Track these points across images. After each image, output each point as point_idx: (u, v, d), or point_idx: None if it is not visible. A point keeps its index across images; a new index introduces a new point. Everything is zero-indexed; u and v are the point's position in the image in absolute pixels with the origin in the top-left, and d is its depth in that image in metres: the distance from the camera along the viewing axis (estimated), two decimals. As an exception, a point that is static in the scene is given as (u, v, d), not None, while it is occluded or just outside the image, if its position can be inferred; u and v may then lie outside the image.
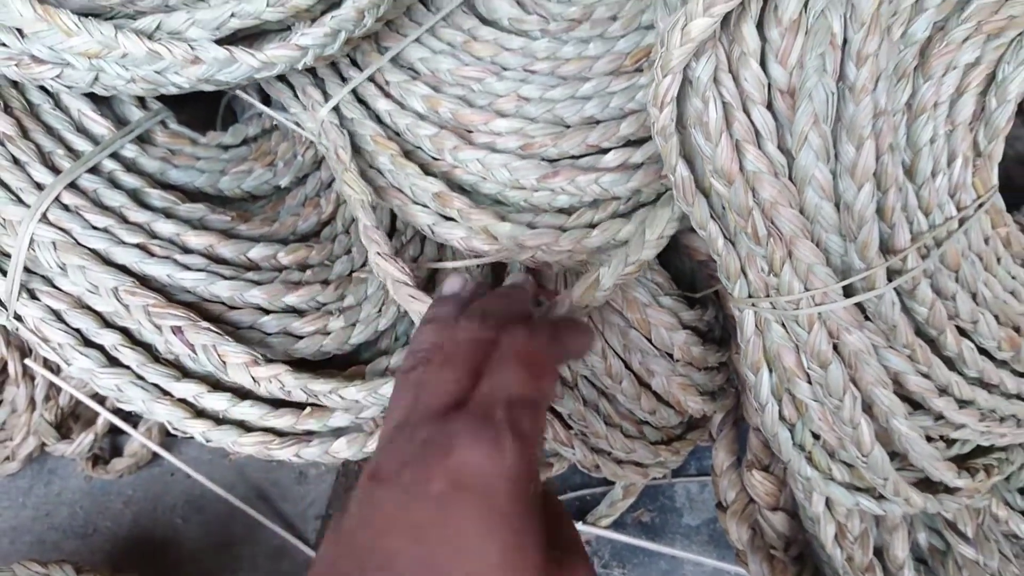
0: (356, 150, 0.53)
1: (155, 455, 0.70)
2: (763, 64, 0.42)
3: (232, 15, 0.45)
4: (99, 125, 0.50)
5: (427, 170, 0.52)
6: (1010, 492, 0.59)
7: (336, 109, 0.54)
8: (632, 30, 0.56)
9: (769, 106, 0.43)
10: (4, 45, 0.45)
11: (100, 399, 0.64)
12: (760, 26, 0.41)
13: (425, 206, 0.51)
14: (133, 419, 0.66)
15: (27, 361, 0.63)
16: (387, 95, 0.54)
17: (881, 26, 0.41)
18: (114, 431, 0.71)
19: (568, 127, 0.53)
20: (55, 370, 0.64)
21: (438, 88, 0.54)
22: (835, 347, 0.45)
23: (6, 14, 0.43)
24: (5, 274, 0.45)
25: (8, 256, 0.46)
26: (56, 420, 0.66)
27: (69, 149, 0.49)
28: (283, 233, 0.53)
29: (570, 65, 0.54)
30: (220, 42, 0.46)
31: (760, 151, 0.43)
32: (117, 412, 0.65)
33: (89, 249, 0.46)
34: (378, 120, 0.54)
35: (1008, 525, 0.57)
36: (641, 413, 0.59)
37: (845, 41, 0.41)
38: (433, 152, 0.52)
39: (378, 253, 0.49)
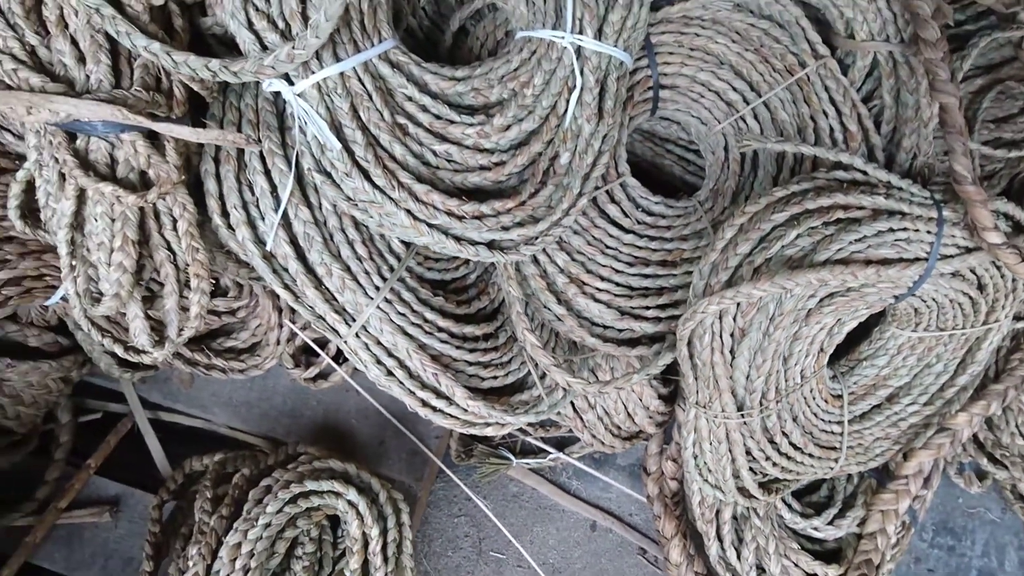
0: (522, 276, 1.00)
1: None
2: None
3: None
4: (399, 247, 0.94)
5: (559, 298, 1.00)
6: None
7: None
8: (678, 238, 1.03)
9: (731, 335, 0.93)
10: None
11: (321, 344, 1.11)
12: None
13: (557, 318, 1.00)
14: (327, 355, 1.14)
15: (286, 318, 1.09)
16: (543, 253, 1.00)
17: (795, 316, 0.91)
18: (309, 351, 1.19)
19: (635, 290, 1.01)
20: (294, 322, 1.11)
21: (570, 254, 1.00)
22: (728, 437, 0.98)
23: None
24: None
25: (339, 333, 0.91)
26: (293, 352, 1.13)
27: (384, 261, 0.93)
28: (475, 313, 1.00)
29: (642, 252, 1.02)
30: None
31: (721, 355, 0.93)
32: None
33: (395, 325, 0.91)
34: (536, 262, 1.00)
35: (777, 510, 1.16)
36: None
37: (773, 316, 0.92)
38: (561, 290, 1.00)
39: (525, 330, 0.98)
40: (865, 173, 0.96)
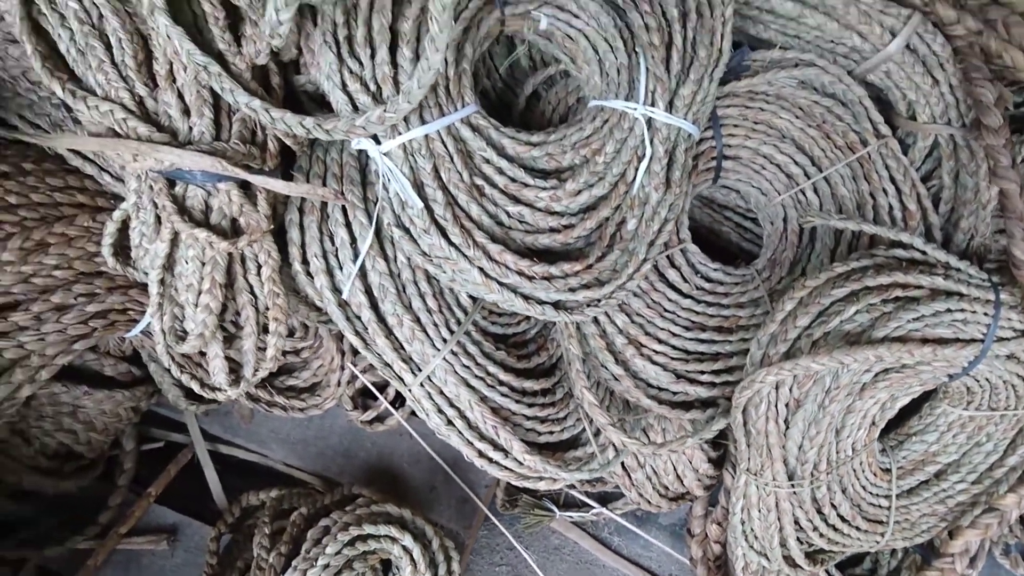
0: (583, 335, 1.03)
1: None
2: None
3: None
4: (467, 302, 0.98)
5: (616, 359, 1.02)
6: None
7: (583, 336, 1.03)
8: (735, 305, 1.06)
9: (787, 405, 0.95)
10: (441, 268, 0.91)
11: (380, 388, 1.15)
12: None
13: (614, 377, 1.02)
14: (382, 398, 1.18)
15: (348, 361, 1.13)
16: (604, 314, 1.03)
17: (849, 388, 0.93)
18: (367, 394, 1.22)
19: (691, 354, 1.03)
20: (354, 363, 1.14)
21: (630, 316, 1.03)
22: (778, 506, 0.99)
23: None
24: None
25: (404, 381, 0.94)
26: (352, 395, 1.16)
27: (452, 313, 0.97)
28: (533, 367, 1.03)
29: (700, 318, 1.04)
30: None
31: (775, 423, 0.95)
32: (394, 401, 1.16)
33: (459, 376, 0.95)
34: (596, 322, 1.03)
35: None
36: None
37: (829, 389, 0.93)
38: (619, 350, 1.02)
39: (584, 387, 1.00)
40: (924, 253, 0.98)
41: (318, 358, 1.16)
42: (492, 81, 1.12)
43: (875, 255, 0.98)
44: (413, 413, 1.18)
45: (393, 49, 0.86)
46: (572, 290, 0.91)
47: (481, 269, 0.88)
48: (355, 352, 1.16)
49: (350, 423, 1.23)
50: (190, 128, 0.84)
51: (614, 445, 1.04)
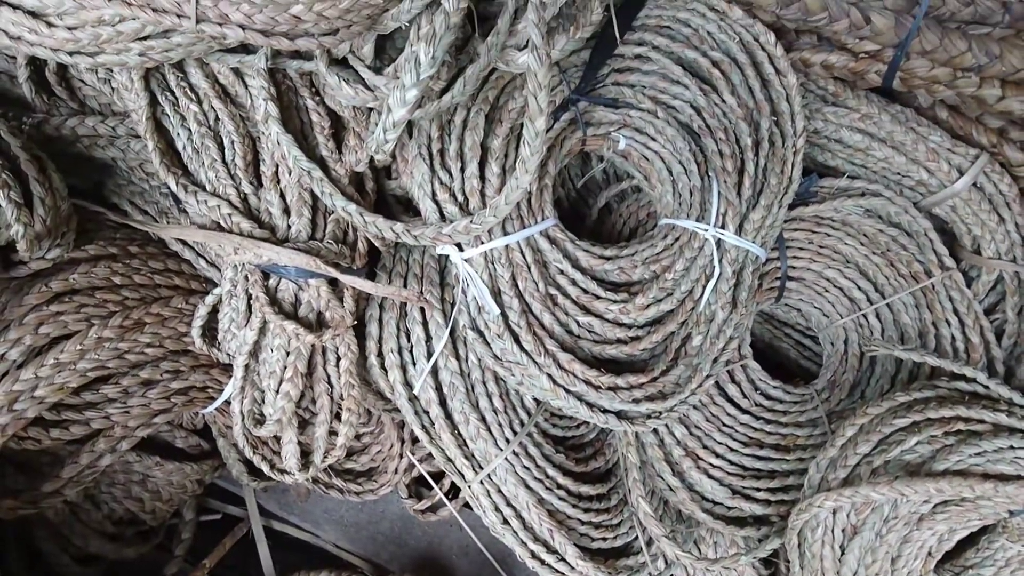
0: (641, 443, 1.05)
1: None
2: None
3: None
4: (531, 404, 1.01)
5: (673, 469, 1.04)
6: None
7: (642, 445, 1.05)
8: (793, 424, 1.07)
9: (844, 531, 0.95)
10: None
11: (435, 478, 1.17)
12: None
13: (670, 488, 1.03)
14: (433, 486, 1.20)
15: (407, 450, 1.16)
16: (663, 427, 1.05)
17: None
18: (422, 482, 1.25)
19: (747, 470, 1.04)
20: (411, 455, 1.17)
21: (688, 428, 1.05)
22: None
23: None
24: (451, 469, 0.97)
25: (464, 477, 0.97)
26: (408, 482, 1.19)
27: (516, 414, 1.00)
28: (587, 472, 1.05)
29: (757, 434, 1.06)
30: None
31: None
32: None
33: (519, 477, 0.97)
34: (655, 432, 1.05)
35: None
36: None
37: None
38: (676, 462, 1.04)
39: (640, 496, 1.01)
40: (987, 387, 0.99)
41: (378, 444, 1.19)
42: (566, 190, 1.18)
43: (937, 386, 0.99)
44: (466, 505, 1.20)
45: (482, 164, 0.92)
46: (636, 401, 0.93)
47: (550, 376, 0.91)
48: (414, 441, 1.19)
49: (402, 510, 1.25)
50: (289, 226, 0.90)
51: (666, 557, 1.05)
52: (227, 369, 1.07)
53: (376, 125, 0.82)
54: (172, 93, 0.92)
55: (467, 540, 1.22)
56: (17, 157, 0.85)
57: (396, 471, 1.18)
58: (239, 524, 1.27)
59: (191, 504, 1.24)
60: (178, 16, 0.74)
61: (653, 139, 1.02)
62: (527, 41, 0.86)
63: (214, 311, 0.99)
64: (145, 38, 0.81)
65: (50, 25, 0.80)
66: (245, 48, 0.90)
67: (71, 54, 0.82)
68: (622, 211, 1.13)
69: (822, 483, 0.96)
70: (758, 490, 1.04)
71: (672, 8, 1.00)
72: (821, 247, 1.11)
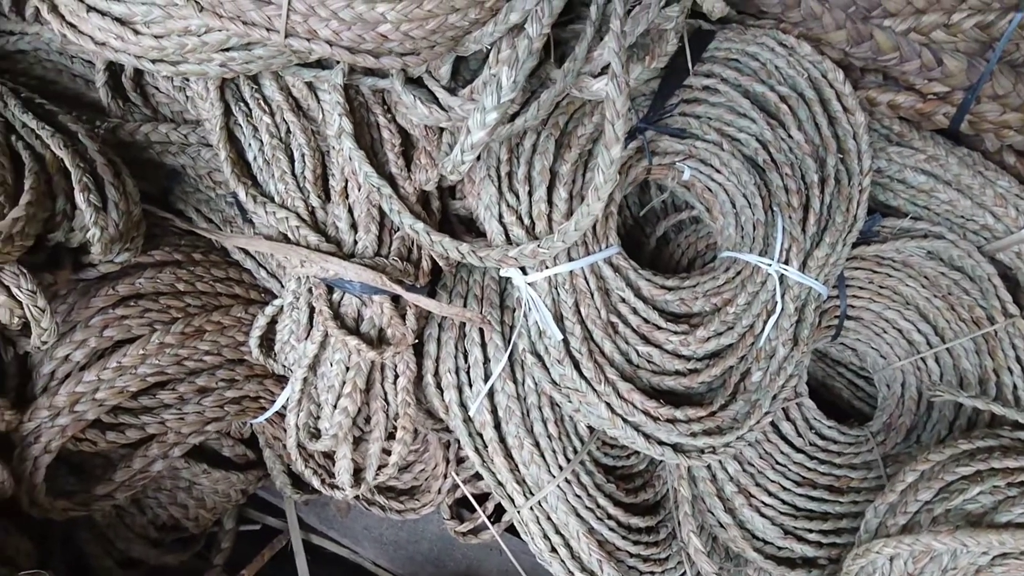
0: (693, 480, 1.03)
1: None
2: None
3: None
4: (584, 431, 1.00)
5: (725, 506, 1.02)
6: None
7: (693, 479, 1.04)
8: (847, 465, 1.05)
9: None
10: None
11: (479, 500, 1.16)
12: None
13: (720, 524, 1.02)
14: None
15: (451, 470, 1.15)
16: (717, 464, 1.04)
17: None
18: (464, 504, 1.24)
19: (799, 510, 1.03)
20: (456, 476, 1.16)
21: (741, 464, 1.03)
22: None
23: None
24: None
25: (514, 502, 0.96)
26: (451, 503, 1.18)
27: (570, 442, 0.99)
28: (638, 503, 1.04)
29: (811, 474, 1.04)
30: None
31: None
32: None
33: (570, 505, 0.96)
34: (707, 466, 1.04)
35: None
36: None
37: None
38: (728, 498, 1.02)
39: (691, 531, 1.00)
40: (1051, 439, 0.97)
41: (421, 463, 1.19)
42: (623, 218, 1.17)
43: (1000, 436, 0.97)
44: (507, 529, 1.19)
45: (550, 189, 0.91)
46: (693, 435, 0.92)
47: (608, 405, 0.90)
48: (459, 462, 1.18)
49: (442, 530, 1.24)
50: (355, 241, 0.91)
51: (714, 594, 1.03)
52: (280, 380, 1.07)
53: (454, 146, 0.82)
54: (246, 104, 0.93)
55: (507, 565, 1.21)
56: (95, 160, 0.86)
57: (439, 491, 1.17)
58: (278, 536, 1.26)
59: (232, 513, 1.24)
60: (267, 30, 0.74)
61: (718, 171, 1.02)
62: (602, 68, 0.86)
63: (272, 322, 1.00)
64: (227, 49, 0.82)
65: (137, 33, 0.81)
66: (320, 63, 0.91)
67: (154, 62, 0.84)
68: (680, 241, 1.12)
69: (880, 528, 0.94)
70: (810, 531, 1.02)
71: (741, 41, 1.00)
72: (881, 287, 1.10)
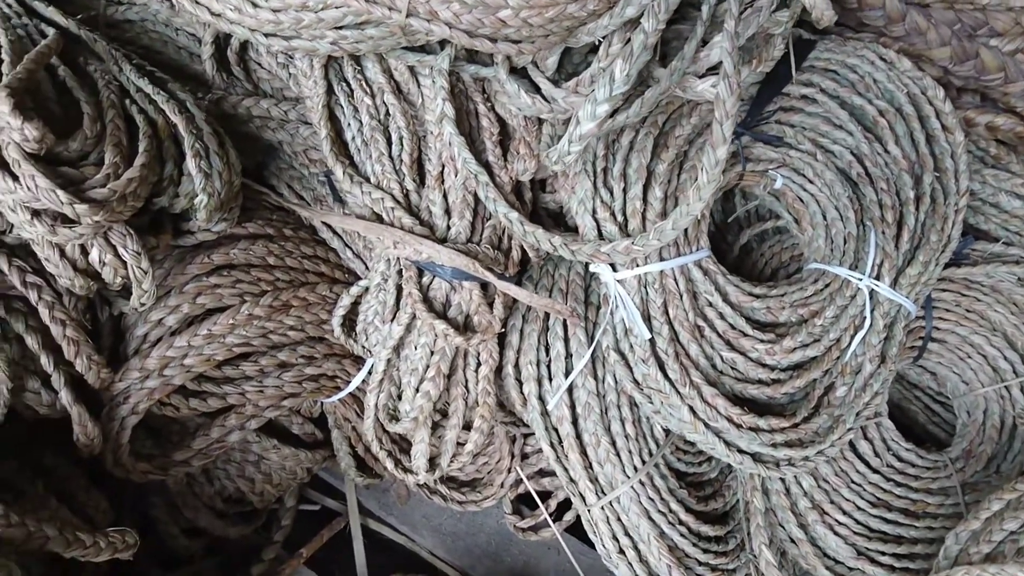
0: (766, 493, 1.02)
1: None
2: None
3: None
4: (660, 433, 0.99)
5: (798, 521, 1.01)
6: None
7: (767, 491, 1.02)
8: (923, 490, 1.03)
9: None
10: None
11: (542, 497, 1.16)
12: None
13: (792, 540, 1.00)
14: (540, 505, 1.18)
15: (516, 465, 1.15)
16: (792, 478, 1.02)
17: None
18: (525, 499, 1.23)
19: (873, 531, 1.01)
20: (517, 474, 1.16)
21: (816, 480, 1.02)
22: None
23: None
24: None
25: (585, 500, 0.95)
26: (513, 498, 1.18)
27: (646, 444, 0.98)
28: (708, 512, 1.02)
29: (886, 496, 1.02)
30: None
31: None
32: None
33: (642, 507, 0.95)
34: (783, 480, 1.02)
35: None
36: None
37: None
38: (802, 513, 1.01)
39: (763, 544, 0.99)
40: None
41: (486, 456, 1.18)
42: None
43: (1090, 470, 0.95)
44: (567, 528, 1.18)
45: (646, 187, 0.91)
46: (775, 446, 0.91)
47: (691, 408, 0.89)
48: (523, 457, 1.18)
49: (501, 525, 1.24)
50: (449, 227, 0.91)
51: (780, 610, 1.01)
52: (357, 361, 1.07)
53: (553, 138, 0.82)
54: (348, 84, 0.93)
55: (565, 564, 1.20)
56: (202, 129, 0.87)
57: (502, 485, 1.17)
58: (337, 518, 1.26)
59: (293, 492, 1.24)
60: (389, 8, 0.75)
61: (811, 181, 1.00)
62: (707, 69, 0.86)
63: (356, 302, 1.00)
64: (340, 28, 0.83)
65: (255, 6, 0.82)
66: (423, 48, 0.91)
67: (267, 35, 0.85)
68: (763, 251, 1.11)
69: (960, 556, 0.92)
70: (883, 554, 1.00)
71: (841, 53, 0.99)
72: (969, 311, 1.08)
